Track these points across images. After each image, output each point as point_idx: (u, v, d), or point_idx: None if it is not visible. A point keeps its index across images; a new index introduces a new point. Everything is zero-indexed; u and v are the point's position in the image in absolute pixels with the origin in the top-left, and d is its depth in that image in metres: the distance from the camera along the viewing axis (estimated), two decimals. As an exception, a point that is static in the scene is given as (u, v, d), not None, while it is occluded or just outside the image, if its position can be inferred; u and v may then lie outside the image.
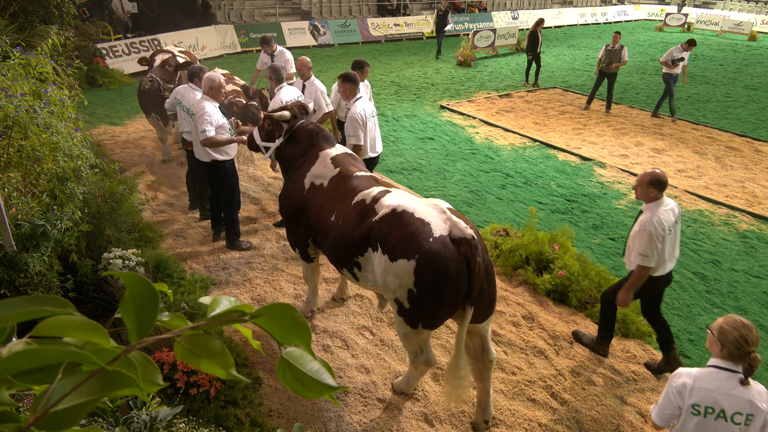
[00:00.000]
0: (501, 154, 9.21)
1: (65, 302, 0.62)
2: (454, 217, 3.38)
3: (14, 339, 0.60)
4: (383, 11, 21.29)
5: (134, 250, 4.80)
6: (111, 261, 4.51)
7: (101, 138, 8.82)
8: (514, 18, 22.99)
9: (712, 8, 28.00)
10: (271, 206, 6.93)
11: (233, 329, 4.53)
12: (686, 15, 24.89)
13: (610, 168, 8.68)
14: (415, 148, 9.28)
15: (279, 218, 6.54)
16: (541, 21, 13.44)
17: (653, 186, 3.93)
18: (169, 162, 8.08)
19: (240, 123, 5.70)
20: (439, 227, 3.31)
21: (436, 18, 16.72)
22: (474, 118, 10.99)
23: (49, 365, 0.57)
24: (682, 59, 10.45)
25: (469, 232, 3.29)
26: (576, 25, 24.73)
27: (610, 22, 26.07)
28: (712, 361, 2.60)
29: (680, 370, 2.66)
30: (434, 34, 17.93)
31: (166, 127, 7.75)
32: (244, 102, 7.15)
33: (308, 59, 6.70)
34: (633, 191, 4.27)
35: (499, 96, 12.71)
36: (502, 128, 10.42)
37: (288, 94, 5.92)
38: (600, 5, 27.45)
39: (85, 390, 0.57)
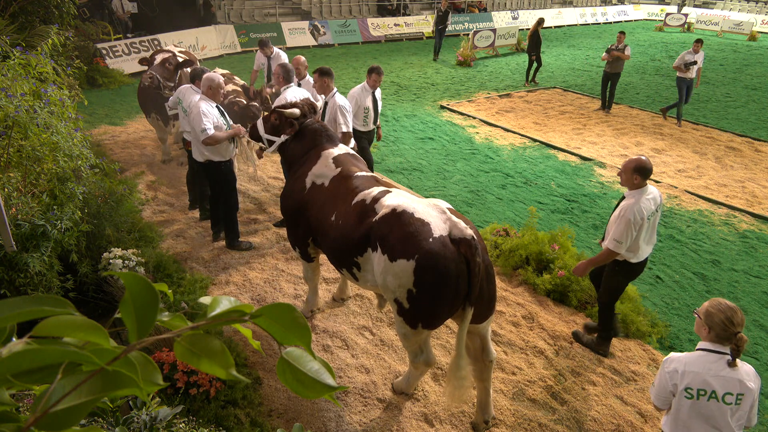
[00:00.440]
0: (501, 154, 9.21)
1: (65, 302, 0.62)
2: (454, 218, 3.37)
3: (14, 339, 0.60)
4: (383, 11, 21.29)
5: (134, 250, 4.80)
6: (111, 261, 4.51)
7: (101, 138, 8.82)
8: (514, 18, 22.99)
9: (712, 8, 28.01)
10: (271, 206, 6.93)
11: (233, 329, 4.53)
12: (686, 15, 24.89)
13: (610, 168, 8.68)
14: (415, 148, 9.28)
15: (278, 218, 6.55)
16: (542, 21, 13.48)
17: (637, 173, 3.96)
18: (169, 162, 8.08)
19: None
20: (438, 227, 3.31)
21: (436, 19, 16.52)
22: (474, 118, 10.99)
23: (49, 365, 0.57)
24: (695, 62, 10.33)
25: (469, 232, 3.29)
26: (576, 25, 24.73)
27: (610, 22, 26.07)
28: (701, 344, 2.68)
29: (672, 355, 2.73)
30: (434, 35, 17.89)
31: (166, 127, 7.75)
32: (245, 102, 7.16)
33: (303, 58, 6.80)
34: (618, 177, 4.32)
35: (499, 96, 12.71)
36: (502, 128, 10.42)
37: (293, 94, 5.95)
38: (600, 5, 27.46)
39: (85, 390, 0.57)
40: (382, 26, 19.50)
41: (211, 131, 5.18)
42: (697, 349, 2.67)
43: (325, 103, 5.81)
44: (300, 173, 4.32)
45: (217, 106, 5.41)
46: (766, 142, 10.15)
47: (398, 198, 3.56)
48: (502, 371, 4.35)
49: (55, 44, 5.71)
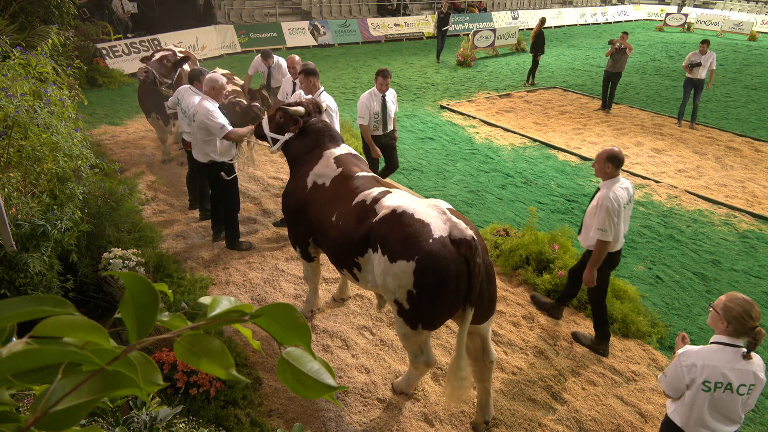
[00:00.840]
0: (501, 154, 9.21)
1: (65, 302, 0.62)
2: (454, 218, 3.37)
3: (14, 339, 0.60)
4: (383, 11, 21.28)
5: (134, 250, 4.80)
6: (111, 261, 4.51)
7: (101, 138, 8.82)
8: (514, 18, 22.99)
9: (712, 8, 28.01)
10: (271, 206, 6.93)
11: (233, 329, 4.53)
12: (686, 15, 24.90)
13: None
14: (415, 148, 9.28)
15: (279, 218, 6.55)
16: (544, 20, 13.54)
17: (610, 161, 4.10)
18: (169, 162, 8.08)
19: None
20: (438, 228, 3.31)
21: (437, 20, 16.22)
22: (474, 118, 10.99)
23: (49, 365, 0.57)
24: (699, 64, 10.26)
25: (469, 232, 3.28)
26: (576, 25, 24.74)
27: (610, 22, 26.08)
28: (717, 337, 2.74)
29: (688, 349, 2.79)
30: (435, 35, 17.80)
31: (166, 126, 7.75)
32: (247, 102, 7.16)
33: (298, 57, 6.96)
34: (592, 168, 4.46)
35: (499, 96, 12.71)
36: (502, 128, 10.42)
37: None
38: (600, 5, 27.47)
39: (85, 390, 0.57)
40: (382, 26, 19.50)
41: (229, 126, 5.27)
42: (713, 343, 2.74)
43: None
44: (302, 173, 4.33)
45: (218, 107, 5.42)
46: (766, 142, 10.15)
47: (398, 198, 3.56)
48: (502, 371, 4.35)
49: (55, 44, 5.71)
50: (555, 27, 23.50)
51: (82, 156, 4.44)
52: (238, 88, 7.47)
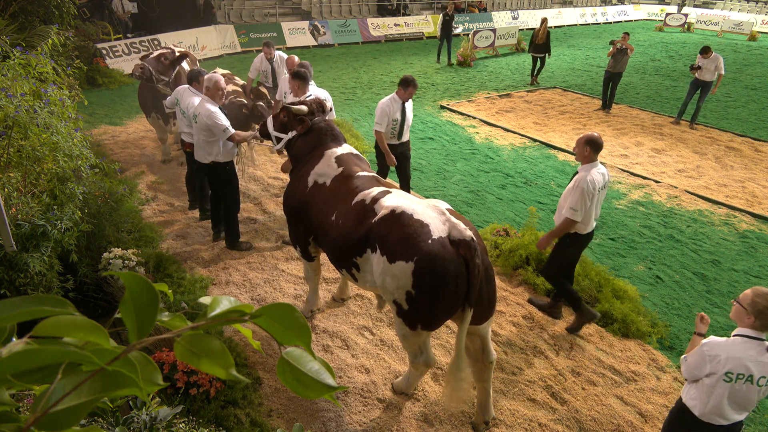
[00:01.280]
0: (501, 154, 9.21)
1: (65, 302, 0.62)
2: (454, 219, 3.37)
3: (14, 339, 0.60)
4: (383, 11, 21.28)
5: (134, 250, 4.80)
6: (111, 261, 4.51)
7: (101, 138, 8.82)
8: (514, 18, 22.99)
9: (712, 8, 28.02)
10: (271, 206, 6.93)
11: (233, 329, 4.53)
12: (686, 15, 24.90)
13: (610, 168, 8.68)
14: (415, 148, 9.28)
15: (278, 218, 6.55)
16: (545, 20, 13.62)
17: (588, 145, 4.35)
18: (169, 162, 8.08)
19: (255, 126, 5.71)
20: (438, 229, 3.31)
21: (442, 22, 15.69)
22: (474, 118, 10.99)
23: (49, 365, 0.57)
24: (699, 67, 10.37)
25: (469, 233, 3.28)
26: (576, 25, 24.74)
27: (610, 22, 26.09)
28: (741, 330, 2.84)
29: (713, 340, 2.88)
30: (435, 34, 17.72)
31: (166, 126, 7.75)
32: (252, 102, 7.16)
33: (297, 58, 6.99)
34: (574, 154, 4.69)
35: (499, 96, 12.71)
36: (502, 128, 10.42)
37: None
38: (600, 5, 27.47)
39: (85, 390, 0.57)
40: (382, 26, 19.51)
41: (231, 129, 5.28)
42: (737, 335, 2.84)
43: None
44: (303, 172, 4.33)
45: (219, 108, 5.42)
46: (766, 142, 10.15)
47: (398, 199, 3.56)
48: (502, 371, 4.35)
49: (55, 44, 5.71)
50: (555, 27, 23.48)
51: (82, 156, 4.44)
52: (239, 89, 7.47)
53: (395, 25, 19.86)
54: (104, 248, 4.74)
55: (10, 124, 3.97)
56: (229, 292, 5.18)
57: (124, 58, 13.57)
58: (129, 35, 14.92)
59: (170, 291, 0.79)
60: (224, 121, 5.26)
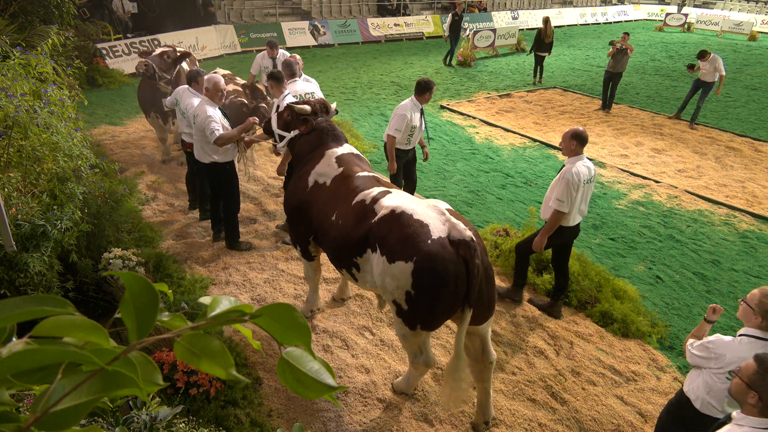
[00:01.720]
0: (501, 154, 9.21)
1: (65, 302, 0.62)
2: (453, 219, 3.37)
3: (14, 339, 0.60)
4: (383, 11, 21.28)
5: (134, 250, 4.80)
6: (111, 261, 4.51)
7: (101, 138, 8.82)
8: (514, 18, 22.99)
9: (712, 8, 28.01)
10: (272, 206, 6.93)
11: (233, 329, 4.53)
12: (686, 15, 24.89)
13: (610, 168, 8.68)
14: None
15: (278, 217, 6.55)
16: (549, 19, 13.70)
17: (575, 138, 4.45)
18: (169, 162, 8.08)
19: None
20: (437, 229, 3.31)
21: (451, 22, 15.44)
22: (474, 118, 10.99)
23: (49, 365, 0.57)
24: (693, 66, 10.49)
25: (468, 233, 3.28)
26: (576, 25, 24.73)
27: (610, 22, 26.08)
28: (748, 330, 2.86)
29: (720, 338, 2.90)
30: (435, 34, 17.65)
31: (165, 125, 7.75)
32: (253, 103, 7.16)
33: (298, 56, 6.92)
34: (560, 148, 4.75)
35: (499, 96, 12.71)
36: (502, 128, 10.42)
37: (301, 87, 6.08)
38: (600, 5, 27.45)
39: (85, 390, 0.57)
40: (382, 26, 19.50)
41: (219, 131, 5.22)
42: (742, 335, 2.87)
43: (277, 106, 5.62)
44: (304, 171, 4.34)
45: (219, 108, 5.42)
46: (766, 142, 10.15)
47: (397, 199, 3.56)
48: (502, 371, 4.35)
49: (55, 44, 5.71)
50: (555, 27, 23.45)
51: (82, 156, 4.44)
52: (239, 88, 7.48)
53: (395, 25, 19.85)
54: (104, 248, 4.74)
55: (10, 124, 3.97)
56: (229, 292, 5.18)
57: (124, 58, 13.57)
58: (129, 35, 14.92)
59: (170, 291, 0.79)
60: (214, 125, 5.19)
